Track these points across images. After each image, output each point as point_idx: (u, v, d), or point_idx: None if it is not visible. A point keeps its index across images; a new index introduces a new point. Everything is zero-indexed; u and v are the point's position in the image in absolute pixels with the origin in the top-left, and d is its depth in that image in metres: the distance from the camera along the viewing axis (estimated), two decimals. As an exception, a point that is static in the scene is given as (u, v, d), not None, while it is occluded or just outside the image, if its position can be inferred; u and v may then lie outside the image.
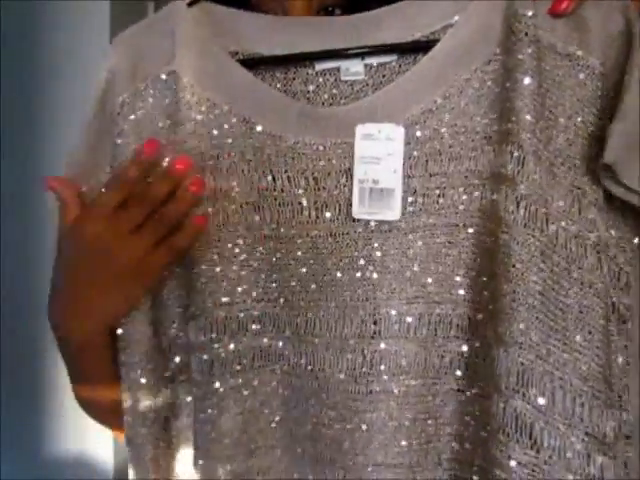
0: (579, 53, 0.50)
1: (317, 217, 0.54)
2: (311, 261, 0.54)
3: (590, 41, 0.50)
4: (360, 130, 0.53)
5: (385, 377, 0.53)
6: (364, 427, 0.54)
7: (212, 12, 0.57)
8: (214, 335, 0.55)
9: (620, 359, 0.49)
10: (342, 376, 0.54)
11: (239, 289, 0.56)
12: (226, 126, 0.55)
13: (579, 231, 0.49)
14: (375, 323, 0.53)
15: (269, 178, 0.55)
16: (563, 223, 0.49)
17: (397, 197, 0.52)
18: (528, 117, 0.48)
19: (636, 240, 0.50)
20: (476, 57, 0.51)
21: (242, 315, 0.56)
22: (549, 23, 0.50)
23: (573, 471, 0.47)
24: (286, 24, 0.55)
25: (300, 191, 0.54)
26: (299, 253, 0.54)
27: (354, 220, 0.53)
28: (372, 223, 0.53)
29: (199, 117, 0.55)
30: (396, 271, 0.53)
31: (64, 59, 1.22)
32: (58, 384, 1.24)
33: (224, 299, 0.55)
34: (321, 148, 0.54)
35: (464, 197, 0.52)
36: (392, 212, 0.52)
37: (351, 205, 0.53)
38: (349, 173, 0.53)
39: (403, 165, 0.52)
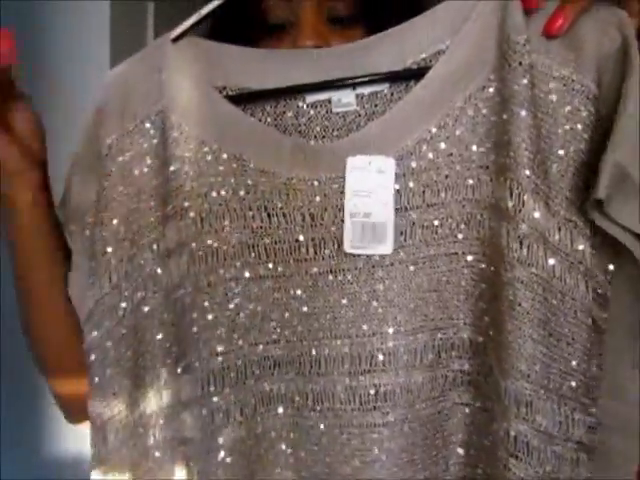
0: (574, 77, 0.49)
1: (315, 254, 0.53)
2: (312, 299, 0.53)
3: (585, 62, 0.49)
4: (350, 163, 0.52)
5: (400, 406, 0.53)
6: (384, 457, 0.53)
7: (199, 47, 0.55)
8: (212, 388, 0.54)
9: (594, 367, 0.50)
10: (356, 412, 0.53)
11: (235, 335, 0.54)
12: (216, 164, 0.54)
13: (571, 263, 0.49)
14: (384, 356, 0.53)
15: (264, 215, 0.54)
16: (559, 257, 0.49)
17: (389, 231, 0.52)
18: (526, 153, 0.48)
19: (611, 267, 0.49)
20: (470, 83, 0.50)
21: (240, 362, 0.55)
22: (543, 44, 0.49)
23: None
24: (275, 57, 0.54)
25: (297, 228, 0.53)
26: (299, 292, 0.53)
27: (354, 255, 0.52)
28: (374, 257, 0.52)
29: (187, 155, 0.54)
30: (400, 304, 0.52)
31: (64, 59, 1.22)
32: (58, 384, 1.24)
33: (220, 348, 0.54)
34: (316, 183, 0.53)
35: (462, 226, 0.51)
36: (384, 246, 0.52)
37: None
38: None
39: (401, 197, 0.52)
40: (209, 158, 0.54)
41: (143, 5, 1.43)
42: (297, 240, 0.53)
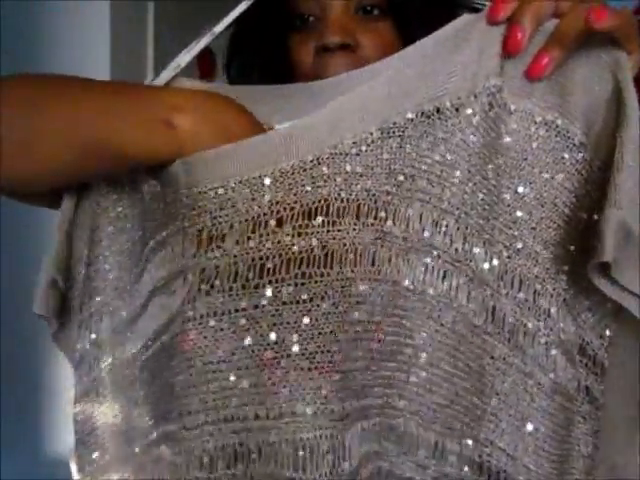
0: (558, 122, 0.46)
1: None
2: None
3: (572, 107, 0.46)
4: None
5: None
6: None
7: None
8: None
9: (590, 444, 0.48)
10: None
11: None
12: None
13: (529, 321, 0.48)
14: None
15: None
16: (512, 312, 0.48)
17: None
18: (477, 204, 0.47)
19: (613, 325, 0.47)
20: (421, 102, 0.48)
21: None
22: (527, 87, 0.46)
23: None
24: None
25: None
26: None
27: None
28: None
29: None
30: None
31: (64, 59, 1.22)
32: (58, 385, 1.24)
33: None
34: None
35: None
36: None
37: None
38: None
39: None
40: None
41: (143, 5, 1.43)
42: None
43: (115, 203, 0.55)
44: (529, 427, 0.49)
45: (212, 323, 0.48)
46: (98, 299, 0.55)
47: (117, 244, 0.55)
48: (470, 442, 0.49)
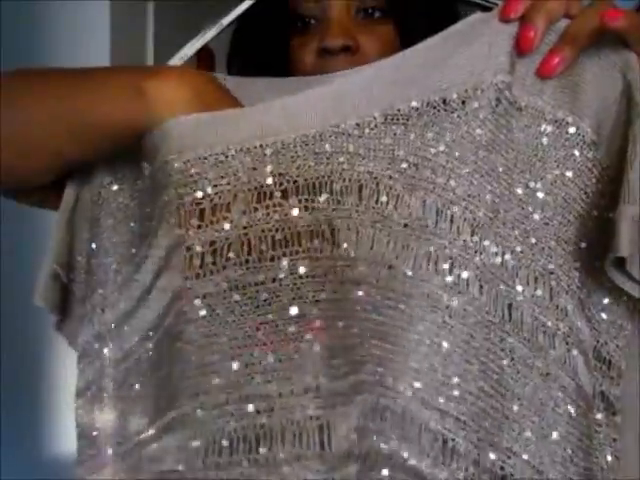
0: (569, 119, 0.47)
1: None
2: None
3: (582, 105, 0.46)
4: None
5: None
6: None
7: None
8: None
9: (608, 454, 0.46)
10: None
11: None
12: None
13: (547, 319, 0.46)
14: None
15: None
16: (530, 310, 0.46)
17: None
18: (488, 197, 0.46)
19: (629, 326, 0.46)
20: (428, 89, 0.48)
21: None
22: (538, 85, 0.47)
23: None
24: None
25: None
26: None
27: None
28: None
29: None
30: None
31: (64, 59, 1.22)
32: (58, 384, 1.24)
33: None
34: None
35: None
36: None
37: None
38: None
39: None
40: None
41: (143, 5, 1.43)
42: None
43: (116, 195, 0.55)
44: (555, 436, 0.46)
45: (237, 297, 0.47)
46: (100, 292, 0.54)
47: (118, 236, 0.54)
48: (491, 450, 0.45)
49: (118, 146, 0.51)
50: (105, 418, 0.54)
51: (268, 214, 0.47)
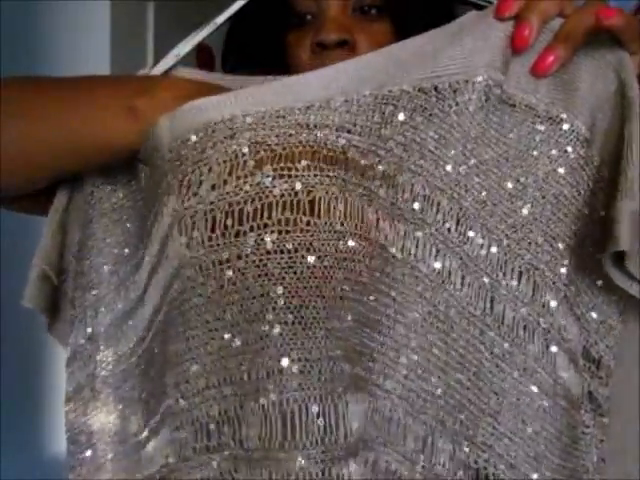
0: (563, 116, 0.47)
1: None
2: None
3: (576, 102, 0.47)
4: None
5: None
6: None
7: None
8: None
9: (594, 455, 0.46)
10: None
11: None
12: None
13: (528, 314, 0.46)
14: None
15: None
16: (512, 304, 0.46)
17: None
18: (483, 194, 0.46)
19: (619, 326, 0.46)
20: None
21: None
22: (532, 83, 0.47)
23: None
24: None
25: None
26: None
27: None
28: None
29: None
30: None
31: (64, 59, 1.22)
32: (58, 384, 1.23)
33: None
34: None
35: None
36: None
37: None
38: None
39: None
40: None
41: (143, 5, 1.43)
42: None
43: (110, 195, 0.54)
44: (529, 431, 0.46)
45: (200, 279, 0.46)
46: (93, 293, 0.54)
47: (112, 236, 0.54)
48: (466, 444, 0.46)
49: (113, 161, 0.52)
50: (102, 420, 0.53)
51: (237, 185, 0.45)
